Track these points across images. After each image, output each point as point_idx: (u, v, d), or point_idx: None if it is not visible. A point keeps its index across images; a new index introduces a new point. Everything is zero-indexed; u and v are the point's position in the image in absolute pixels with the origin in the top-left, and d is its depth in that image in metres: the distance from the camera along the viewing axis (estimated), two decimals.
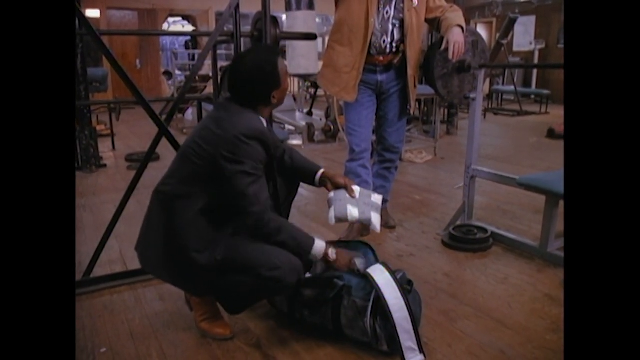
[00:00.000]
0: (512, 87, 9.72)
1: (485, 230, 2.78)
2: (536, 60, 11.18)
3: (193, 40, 11.92)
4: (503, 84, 10.83)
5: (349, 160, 2.80)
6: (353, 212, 1.92)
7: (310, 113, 6.84)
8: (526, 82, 11.49)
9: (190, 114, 7.27)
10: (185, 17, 11.65)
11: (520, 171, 4.52)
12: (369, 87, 2.72)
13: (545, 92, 9.47)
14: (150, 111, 2.29)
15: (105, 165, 4.79)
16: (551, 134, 6.56)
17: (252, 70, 1.78)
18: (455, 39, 2.52)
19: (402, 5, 2.61)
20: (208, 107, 3.24)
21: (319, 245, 1.78)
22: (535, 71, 11.25)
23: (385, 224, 3.07)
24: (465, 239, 2.70)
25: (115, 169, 4.79)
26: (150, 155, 2.30)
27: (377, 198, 2.05)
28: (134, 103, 2.49)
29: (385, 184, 3.02)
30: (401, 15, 2.61)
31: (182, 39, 12.84)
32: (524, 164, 4.97)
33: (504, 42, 9.02)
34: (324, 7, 12.22)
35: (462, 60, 2.70)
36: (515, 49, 11.75)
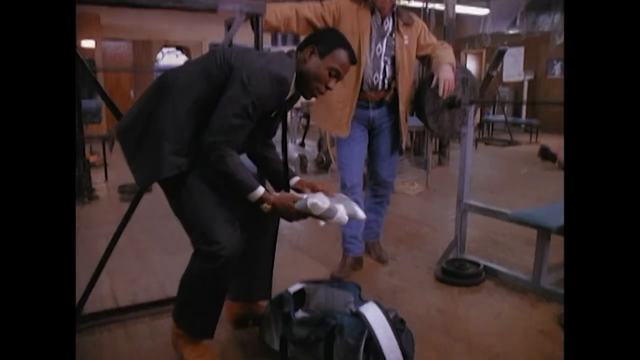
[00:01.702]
0: (503, 117, 9.84)
1: (477, 265, 2.79)
2: (525, 91, 11.35)
3: None
4: (493, 113, 10.97)
5: None
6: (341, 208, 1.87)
7: (302, 144, 6.88)
8: (516, 111, 11.64)
9: None
10: (179, 47, 11.77)
11: (512, 201, 4.57)
12: (361, 123, 2.75)
13: (535, 122, 9.60)
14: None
15: (97, 197, 4.77)
16: (545, 153, 6.62)
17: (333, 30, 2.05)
18: (446, 76, 2.57)
19: (393, 42, 2.66)
20: None
21: (260, 190, 1.76)
22: (525, 99, 11.41)
23: (377, 258, 3.08)
24: (457, 274, 2.70)
25: (107, 200, 4.77)
26: (140, 196, 2.29)
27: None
28: None
29: (377, 217, 3.04)
30: (392, 52, 2.66)
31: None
32: (515, 194, 5.01)
33: (494, 73, 9.18)
34: None
35: (452, 96, 2.74)
36: (505, 79, 11.94)
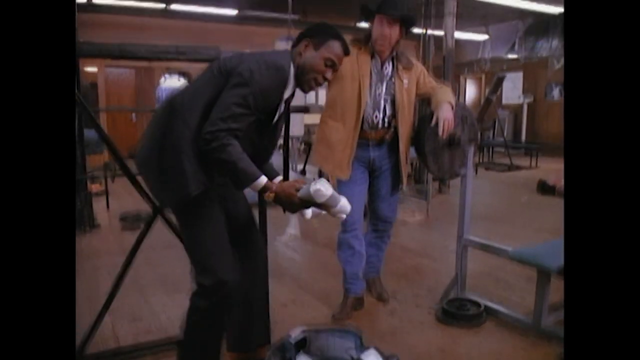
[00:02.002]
0: (502, 140, 9.89)
1: (478, 305, 2.78)
2: (525, 114, 11.46)
3: None
4: (493, 136, 11.03)
5: (342, 232, 2.82)
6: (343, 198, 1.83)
7: (303, 171, 6.91)
8: (516, 134, 11.72)
9: None
10: (181, 73, 11.87)
11: (512, 233, 4.58)
12: (362, 164, 2.77)
13: (535, 146, 9.64)
14: (140, 189, 2.29)
15: (99, 226, 4.78)
16: (543, 187, 6.64)
17: (324, 23, 1.94)
18: (445, 115, 2.59)
19: (393, 85, 2.70)
20: None
21: (262, 180, 1.74)
22: (524, 122, 11.50)
23: (378, 297, 3.08)
24: (458, 315, 2.70)
25: (109, 229, 4.78)
26: (148, 230, 2.30)
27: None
28: (128, 175, 2.49)
29: (378, 252, 3.05)
30: (392, 92, 2.70)
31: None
32: (515, 224, 5.02)
33: (493, 98, 9.28)
34: None
35: (452, 135, 2.76)
36: (504, 102, 12.04)
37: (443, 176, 2.88)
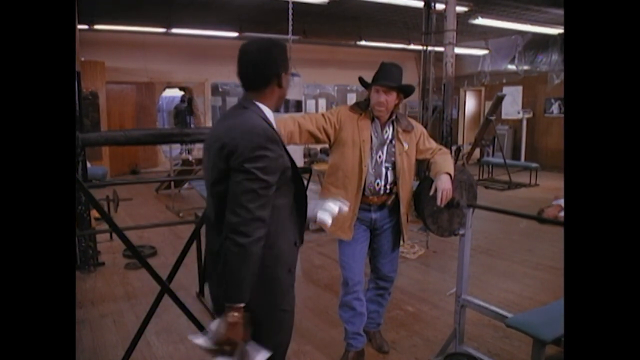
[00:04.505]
0: (501, 157, 9.92)
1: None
2: (524, 129, 11.50)
3: (188, 107, 12.15)
4: (493, 153, 11.07)
5: (344, 294, 2.89)
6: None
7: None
8: (515, 149, 11.76)
9: None
10: (181, 88, 11.95)
11: (511, 270, 4.64)
12: (363, 223, 2.84)
13: (534, 165, 9.68)
14: (148, 267, 2.37)
15: (103, 263, 4.84)
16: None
17: (262, 50, 1.71)
18: (444, 186, 2.66)
19: (393, 149, 2.76)
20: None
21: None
22: (524, 139, 11.54)
23: (378, 349, 3.15)
24: None
25: (112, 267, 4.82)
26: (157, 305, 2.36)
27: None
28: (129, 228, 2.56)
29: (379, 308, 3.12)
30: (393, 158, 2.76)
31: (178, 100, 13.14)
32: (514, 258, 5.07)
33: (492, 118, 9.34)
34: (315, 75, 12.52)
35: (451, 199, 2.82)
36: (504, 117, 12.10)
37: (442, 234, 2.94)
